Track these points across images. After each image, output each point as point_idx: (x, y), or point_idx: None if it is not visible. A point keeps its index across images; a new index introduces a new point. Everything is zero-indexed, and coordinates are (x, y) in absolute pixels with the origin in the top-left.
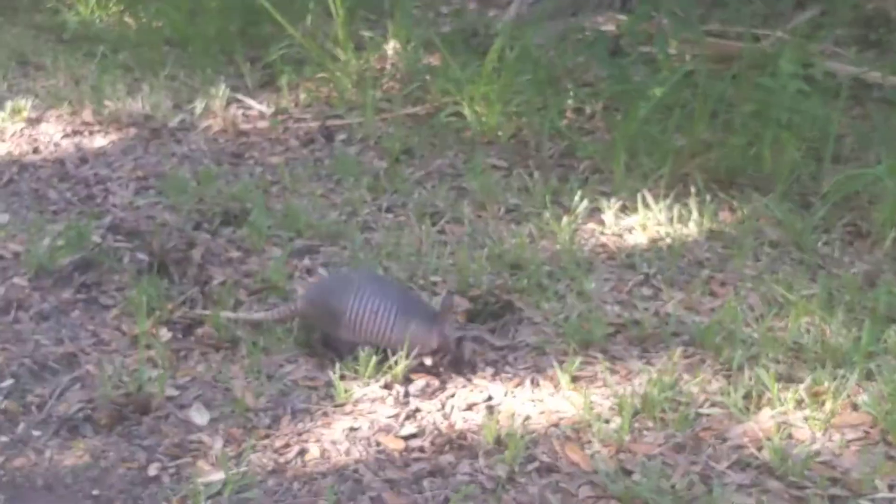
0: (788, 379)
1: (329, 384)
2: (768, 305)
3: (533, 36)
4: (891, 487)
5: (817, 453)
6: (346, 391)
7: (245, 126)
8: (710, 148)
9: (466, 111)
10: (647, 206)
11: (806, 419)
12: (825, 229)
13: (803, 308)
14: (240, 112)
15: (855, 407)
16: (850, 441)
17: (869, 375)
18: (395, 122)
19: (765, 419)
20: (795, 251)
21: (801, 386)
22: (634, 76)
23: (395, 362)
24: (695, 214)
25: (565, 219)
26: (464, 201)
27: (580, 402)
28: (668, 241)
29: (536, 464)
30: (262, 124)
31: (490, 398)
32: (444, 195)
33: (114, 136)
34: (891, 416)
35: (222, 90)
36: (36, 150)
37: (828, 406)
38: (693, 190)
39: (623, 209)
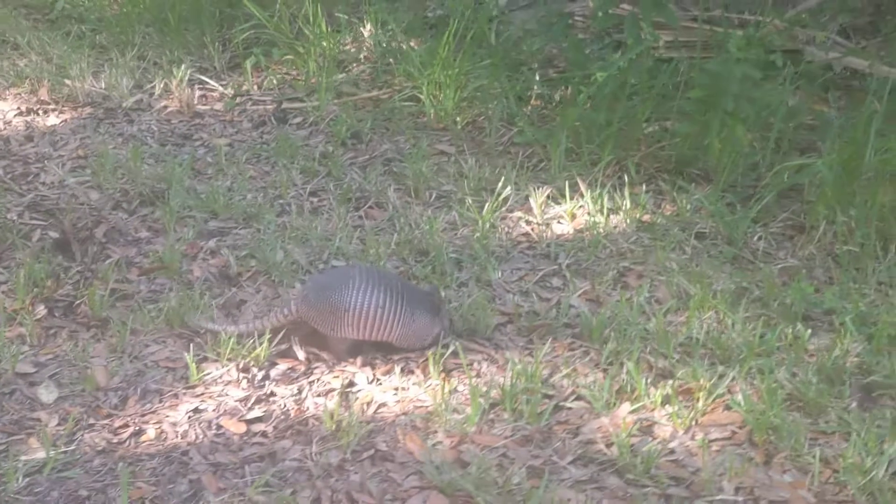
0: (667, 375)
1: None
2: (676, 299)
3: (512, 21)
4: (737, 490)
5: (671, 451)
6: (201, 373)
7: (201, 108)
8: (660, 137)
9: (423, 95)
10: (580, 194)
11: (670, 416)
12: (764, 223)
13: (705, 302)
14: (199, 93)
15: (728, 407)
16: (712, 441)
17: (754, 375)
18: (352, 105)
19: (623, 414)
20: (725, 245)
21: (670, 382)
22: (600, 61)
23: (259, 344)
24: (627, 204)
25: (487, 206)
26: (392, 187)
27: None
28: (595, 231)
29: (372, 452)
30: (220, 106)
31: (352, 385)
32: (377, 180)
33: (67, 116)
34: (761, 417)
35: (182, 70)
36: None
37: (700, 404)
38: (626, 179)
39: (558, 198)
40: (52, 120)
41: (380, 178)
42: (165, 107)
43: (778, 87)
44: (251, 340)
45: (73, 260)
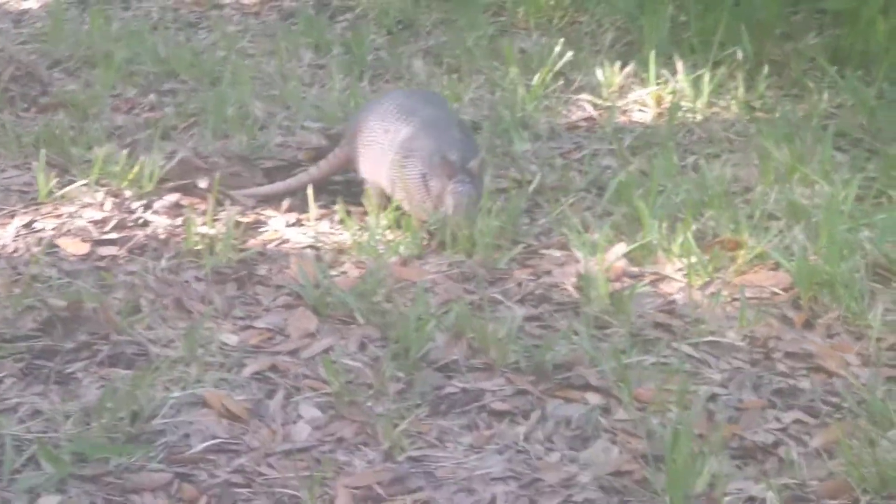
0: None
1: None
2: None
3: None
4: (745, 338)
5: (669, 303)
6: (55, 191)
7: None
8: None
9: None
10: (674, 76)
11: (685, 271)
12: None
13: (794, 171)
14: None
15: (775, 266)
16: (735, 300)
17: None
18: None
19: (612, 257)
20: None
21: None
22: None
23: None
24: (740, 92)
25: (537, 78)
26: (422, 61)
27: None
28: (684, 116)
29: (241, 274)
30: None
31: (259, 223)
32: (407, 60)
33: None
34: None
35: None
36: None
37: (738, 261)
38: (741, 60)
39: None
40: (30, 3)
41: (410, 59)
42: None
43: None
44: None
45: None
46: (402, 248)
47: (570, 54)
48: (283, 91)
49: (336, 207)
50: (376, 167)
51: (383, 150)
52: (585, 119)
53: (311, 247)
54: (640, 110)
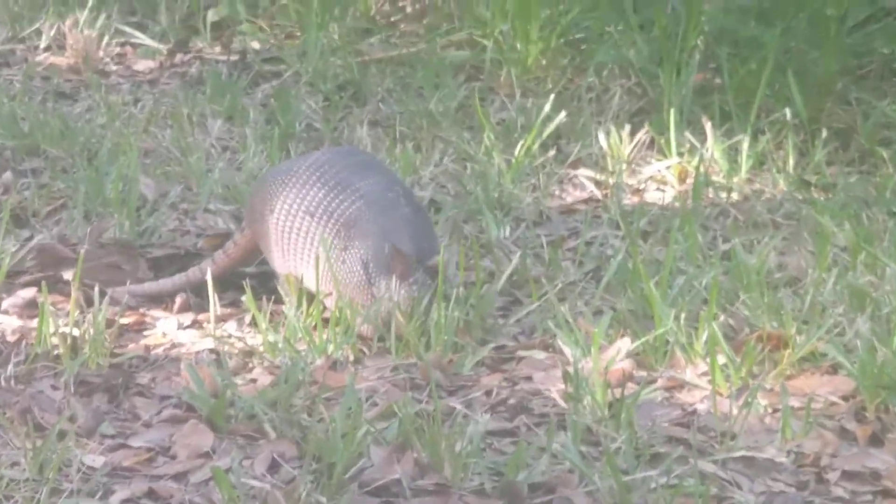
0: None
1: None
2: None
3: None
4: (790, 454)
5: (689, 413)
6: None
7: (113, 66)
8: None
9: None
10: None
11: (709, 375)
12: None
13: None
14: (117, 51)
15: (832, 370)
16: (777, 410)
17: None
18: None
19: (612, 355)
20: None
21: (721, 320)
22: None
23: None
24: (790, 163)
25: (520, 147)
26: (367, 128)
27: None
28: (718, 193)
29: (115, 382)
30: (146, 66)
31: (144, 325)
32: (350, 125)
33: None
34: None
35: (86, 13)
36: None
37: (784, 361)
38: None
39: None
40: None
41: (353, 128)
42: (52, 62)
43: None
44: None
45: None
46: (330, 349)
47: (563, 116)
48: (183, 166)
49: (244, 299)
50: (295, 261)
51: (305, 240)
52: (584, 200)
53: (211, 351)
54: (659, 189)
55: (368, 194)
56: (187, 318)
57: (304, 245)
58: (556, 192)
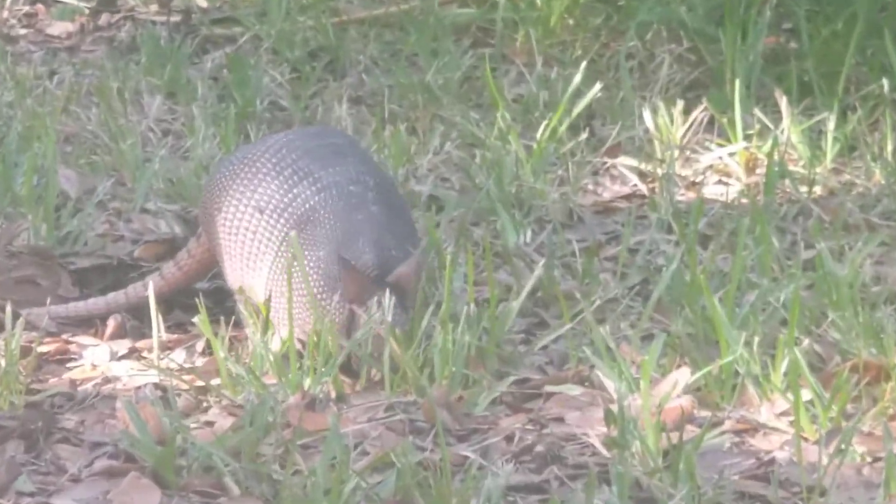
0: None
1: None
2: None
3: None
4: None
5: (766, 462)
6: None
7: (20, 30)
8: None
9: None
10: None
11: (790, 418)
12: None
13: None
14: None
15: None
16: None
17: None
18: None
19: (667, 388)
20: None
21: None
22: None
23: None
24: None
25: (543, 129)
26: (347, 105)
27: None
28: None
29: (33, 427)
30: (62, 29)
31: (67, 355)
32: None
33: None
34: None
35: None
36: None
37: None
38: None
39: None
40: None
41: (328, 105)
42: None
43: None
44: None
45: None
46: (307, 383)
47: (597, 90)
48: (113, 155)
49: (195, 320)
50: (243, 269)
51: (253, 242)
52: (626, 197)
53: (155, 387)
54: (721, 181)
55: (329, 187)
56: (122, 345)
57: (252, 249)
58: (590, 187)
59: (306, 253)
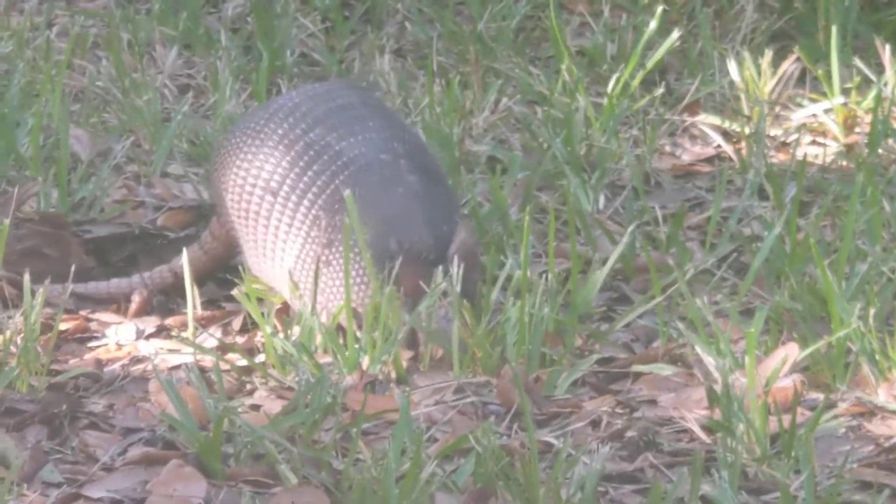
0: None
1: None
2: None
3: None
4: None
5: (885, 450)
6: None
7: None
8: None
9: None
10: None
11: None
12: None
13: None
14: None
15: None
16: None
17: None
18: None
19: (774, 365)
20: None
21: None
22: None
23: None
24: None
25: (613, 82)
26: (390, 58)
27: None
28: None
29: (57, 410)
30: None
31: (88, 333)
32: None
33: None
34: None
35: None
36: None
37: None
38: None
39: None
40: None
41: (368, 58)
42: None
43: None
44: None
45: None
46: (366, 362)
47: (674, 38)
48: (128, 114)
49: (234, 293)
50: (258, 258)
51: (268, 229)
52: (708, 159)
53: (189, 368)
54: (815, 141)
55: (354, 160)
56: (149, 323)
57: (268, 237)
58: (667, 148)
59: (342, 248)
